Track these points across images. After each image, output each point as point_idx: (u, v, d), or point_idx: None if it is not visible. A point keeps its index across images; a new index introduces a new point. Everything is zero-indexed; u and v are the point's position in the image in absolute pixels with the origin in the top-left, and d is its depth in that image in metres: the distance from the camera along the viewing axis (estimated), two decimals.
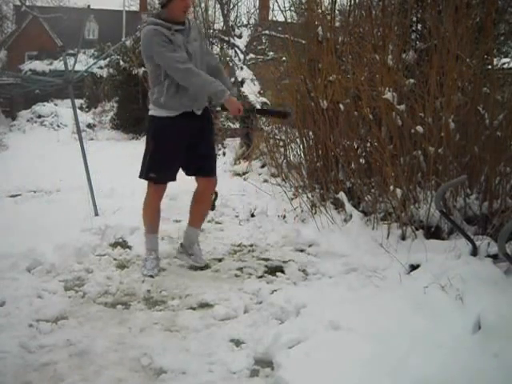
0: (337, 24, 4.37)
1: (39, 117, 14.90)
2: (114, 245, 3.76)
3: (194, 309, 2.75)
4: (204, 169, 3.34)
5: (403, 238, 3.41)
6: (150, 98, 3.22)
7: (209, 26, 10.32)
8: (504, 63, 4.08)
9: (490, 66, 3.53)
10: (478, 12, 3.63)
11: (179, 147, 3.22)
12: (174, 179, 3.33)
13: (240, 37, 8.47)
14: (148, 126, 3.29)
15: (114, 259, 3.49)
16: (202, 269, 3.36)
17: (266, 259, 3.53)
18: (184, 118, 3.17)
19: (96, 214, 4.40)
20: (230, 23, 9.13)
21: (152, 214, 3.36)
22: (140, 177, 3.28)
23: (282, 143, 5.35)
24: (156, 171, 3.21)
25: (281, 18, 6.70)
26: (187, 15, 3.22)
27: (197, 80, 3.05)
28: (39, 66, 17.86)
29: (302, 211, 4.27)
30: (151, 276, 3.17)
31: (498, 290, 2.34)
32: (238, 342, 2.37)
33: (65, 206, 4.69)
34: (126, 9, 26.47)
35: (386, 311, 2.37)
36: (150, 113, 3.24)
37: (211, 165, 3.40)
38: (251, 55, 8.58)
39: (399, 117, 3.47)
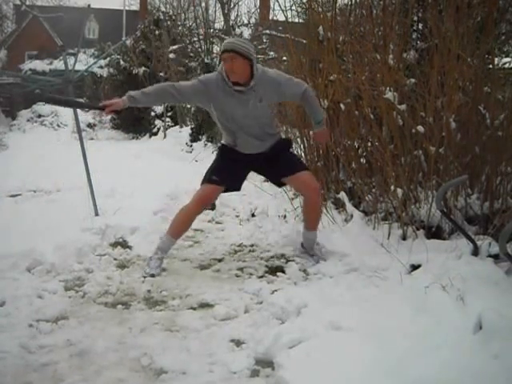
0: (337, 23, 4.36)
1: (39, 116, 14.92)
2: (115, 245, 3.76)
3: (194, 309, 2.74)
4: (287, 168, 3.36)
5: (404, 237, 3.41)
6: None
7: (209, 25, 10.34)
8: (505, 63, 4.07)
9: (491, 66, 3.52)
10: (479, 11, 3.62)
11: (244, 162, 3.33)
12: (238, 189, 3.48)
13: (240, 36, 8.47)
14: (217, 148, 3.56)
15: (115, 259, 3.49)
16: (202, 269, 3.36)
17: (267, 259, 3.53)
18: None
19: (96, 214, 4.39)
20: (231, 22, 9.14)
21: (187, 219, 3.37)
22: (202, 182, 3.35)
23: None
24: (218, 175, 3.30)
25: (281, 18, 6.70)
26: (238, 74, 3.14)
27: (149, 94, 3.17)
28: (39, 65, 17.85)
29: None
30: (152, 275, 3.16)
31: (499, 290, 2.34)
32: (238, 342, 2.36)
33: (65, 205, 4.69)
34: (127, 8, 26.50)
35: (386, 311, 2.37)
36: (219, 146, 3.54)
37: (293, 162, 3.44)
38: None
39: (400, 116, 3.46)
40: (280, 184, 3.59)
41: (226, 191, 3.42)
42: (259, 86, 3.16)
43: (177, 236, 3.39)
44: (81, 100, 3.79)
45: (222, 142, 3.46)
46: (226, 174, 3.31)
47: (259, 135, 3.30)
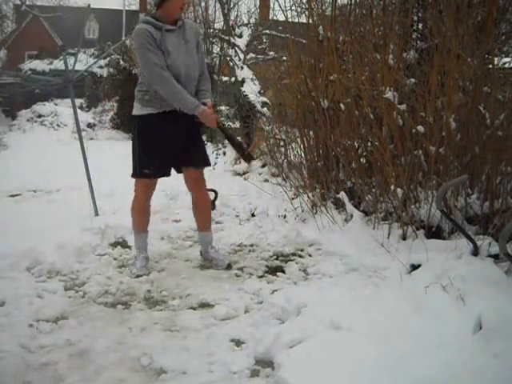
0: (337, 23, 4.36)
1: (39, 116, 14.89)
2: (115, 244, 3.76)
3: (194, 309, 2.74)
4: (191, 159, 3.27)
5: (404, 237, 3.41)
6: (136, 97, 3.20)
7: (209, 25, 10.34)
8: (505, 63, 4.07)
9: (491, 66, 3.52)
10: (479, 11, 3.62)
11: (166, 142, 3.17)
12: (168, 174, 3.32)
13: (240, 36, 8.46)
14: (133, 127, 3.27)
15: (115, 259, 3.49)
16: (202, 269, 3.36)
17: (267, 259, 3.53)
18: (167, 116, 3.14)
19: (96, 214, 4.39)
20: (231, 22, 9.13)
21: (142, 212, 3.34)
22: (133, 176, 3.24)
23: (282, 143, 5.34)
24: (148, 167, 3.18)
25: (281, 18, 6.71)
26: (183, 15, 3.18)
27: (169, 90, 3.04)
28: (39, 65, 17.82)
29: (303, 211, 4.26)
30: (139, 276, 3.15)
31: (499, 290, 2.34)
32: (238, 342, 2.36)
33: (65, 205, 4.69)
34: (126, 8, 26.52)
35: (386, 311, 2.37)
36: (133, 112, 3.23)
37: (199, 154, 3.32)
38: (251, 55, 8.58)
39: (400, 116, 3.46)
40: (181, 170, 3.35)
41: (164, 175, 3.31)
42: (186, 28, 3.15)
43: (145, 228, 3.37)
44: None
45: (139, 113, 3.18)
46: (155, 161, 3.16)
47: (194, 78, 3.17)
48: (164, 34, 3.06)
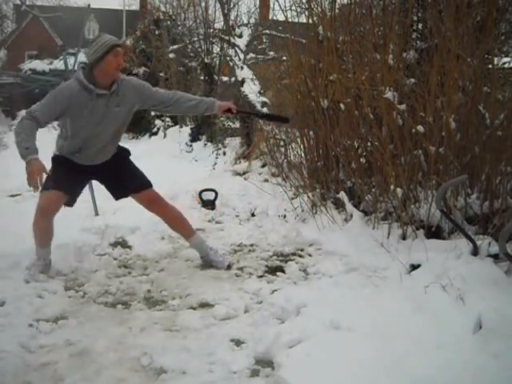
0: (337, 23, 4.37)
1: None
2: (114, 244, 3.76)
3: (194, 308, 2.74)
4: (133, 185, 3.26)
5: (404, 237, 3.41)
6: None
7: (209, 25, 10.33)
8: (505, 63, 4.07)
9: (490, 66, 3.52)
10: (478, 11, 3.62)
11: (77, 172, 3.18)
12: (77, 193, 3.29)
13: (240, 36, 8.46)
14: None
15: (114, 259, 3.49)
16: (202, 268, 3.36)
17: (267, 259, 3.53)
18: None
19: (96, 214, 4.40)
20: (230, 22, 9.13)
21: (42, 229, 3.14)
22: (41, 191, 3.02)
23: (282, 143, 5.35)
24: (54, 181, 3.05)
25: (281, 18, 6.71)
26: (120, 74, 3.06)
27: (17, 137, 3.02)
28: (39, 65, 17.82)
29: (303, 211, 4.27)
30: (28, 282, 2.96)
31: (498, 290, 2.34)
32: (238, 342, 2.36)
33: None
34: (126, 8, 26.50)
35: (386, 311, 2.37)
36: (52, 157, 3.24)
37: (139, 178, 3.30)
38: (251, 55, 8.58)
39: (400, 116, 3.46)
40: (119, 197, 3.40)
41: (67, 204, 3.23)
42: (121, 90, 3.06)
43: (44, 244, 3.18)
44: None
45: (55, 152, 3.26)
46: (63, 179, 3.08)
47: (106, 144, 3.18)
48: (93, 98, 2.99)
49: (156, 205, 3.32)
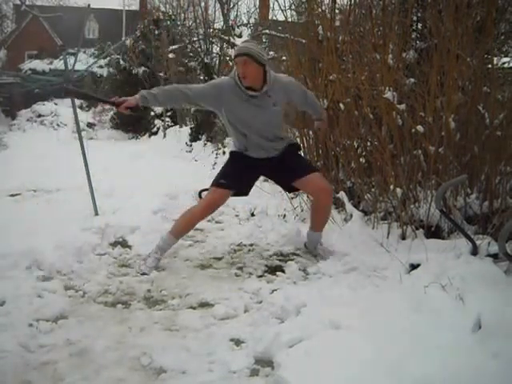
0: (337, 23, 4.37)
1: (39, 116, 14.91)
2: (114, 244, 3.76)
3: (194, 308, 2.74)
4: (297, 172, 3.35)
5: (403, 237, 3.41)
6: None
7: (209, 25, 10.34)
8: (504, 62, 4.07)
9: (490, 66, 3.52)
10: (478, 11, 3.62)
11: (249, 169, 3.35)
12: (244, 192, 3.48)
13: (240, 36, 8.47)
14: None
15: (114, 258, 3.49)
16: (202, 268, 3.36)
17: (266, 258, 3.53)
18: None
19: (96, 214, 4.40)
20: (230, 22, 9.14)
21: (190, 223, 3.39)
22: (212, 185, 3.34)
23: None
24: (226, 178, 3.31)
25: (281, 18, 6.71)
26: (253, 80, 3.18)
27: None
28: (39, 65, 17.84)
29: (302, 210, 4.27)
30: (144, 274, 3.16)
31: (498, 290, 2.34)
32: (238, 342, 2.36)
33: (65, 205, 4.69)
34: (126, 8, 26.49)
35: (386, 311, 2.37)
36: (230, 151, 3.52)
37: (303, 165, 3.45)
38: None
39: (399, 116, 3.47)
40: (291, 189, 3.60)
41: (234, 195, 3.42)
42: (272, 91, 3.20)
43: (178, 236, 3.40)
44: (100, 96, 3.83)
45: (232, 148, 3.48)
46: (234, 177, 3.32)
47: (271, 139, 3.31)
48: (246, 98, 3.19)
49: (316, 186, 3.35)
